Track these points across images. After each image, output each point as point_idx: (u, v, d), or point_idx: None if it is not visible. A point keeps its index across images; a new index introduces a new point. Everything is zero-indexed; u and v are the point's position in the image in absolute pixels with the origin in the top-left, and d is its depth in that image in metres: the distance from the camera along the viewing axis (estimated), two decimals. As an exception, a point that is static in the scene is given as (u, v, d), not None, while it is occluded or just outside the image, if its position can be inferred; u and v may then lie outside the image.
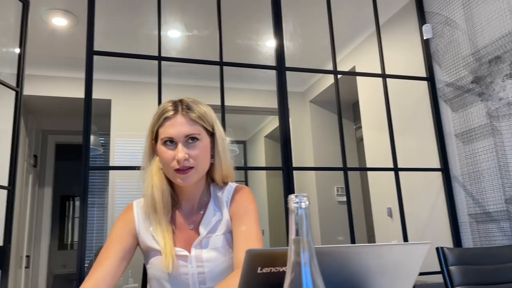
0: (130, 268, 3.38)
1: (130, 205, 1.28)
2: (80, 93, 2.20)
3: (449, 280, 1.49)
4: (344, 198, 4.32)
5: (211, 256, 1.18)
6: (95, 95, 2.22)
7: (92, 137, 2.98)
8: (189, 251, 1.18)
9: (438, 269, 1.58)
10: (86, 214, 2.05)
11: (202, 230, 1.20)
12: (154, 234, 1.19)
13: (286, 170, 2.42)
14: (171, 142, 1.17)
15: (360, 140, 4.26)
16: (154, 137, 1.22)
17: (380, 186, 3.33)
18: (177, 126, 1.17)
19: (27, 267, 4.23)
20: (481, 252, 1.65)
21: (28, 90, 3.81)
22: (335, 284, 0.80)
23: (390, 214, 3.19)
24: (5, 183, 2.27)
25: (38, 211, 4.65)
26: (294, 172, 2.45)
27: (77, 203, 6.10)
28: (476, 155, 2.48)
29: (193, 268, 1.17)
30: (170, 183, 1.23)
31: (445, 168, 2.65)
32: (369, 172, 3.56)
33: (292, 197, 0.53)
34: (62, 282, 5.44)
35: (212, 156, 1.24)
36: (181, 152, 1.14)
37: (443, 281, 1.66)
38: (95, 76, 2.20)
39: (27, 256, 4.24)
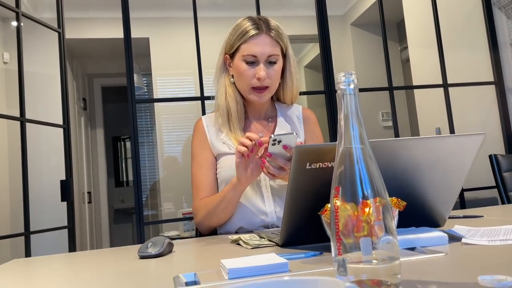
0: (184, 193, 3.56)
1: (199, 120, 1.39)
2: (119, 33, 2.22)
3: (502, 186, 1.46)
4: (390, 123, 4.23)
5: None
6: (133, 34, 2.24)
7: (135, 76, 3.04)
8: None
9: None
10: (137, 147, 2.15)
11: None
12: (226, 140, 1.30)
13: (329, 94, 2.38)
14: (252, 60, 1.24)
15: (406, 62, 4.07)
16: (233, 51, 1.28)
17: (428, 106, 3.21)
18: (262, 45, 1.24)
19: (89, 202, 4.56)
20: (537, 158, 1.59)
21: (69, 33, 3.88)
22: (386, 180, 0.81)
23: (439, 133, 3.10)
24: (60, 122, 2.39)
25: (93, 151, 4.93)
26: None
27: (128, 144, 6.37)
28: (534, 64, 2.31)
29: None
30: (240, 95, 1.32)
31: (498, 81, 2.50)
32: (416, 93, 3.42)
33: (340, 76, 0.52)
34: (122, 215, 5.86)
35: (282, 77, 1.32)
36: (263, 71, 1.23)
37: (497, 191, 1.63)
38: (132, 14, 2.20)
39: (89, 193, 4.57)
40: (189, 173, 1.35)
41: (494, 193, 2.33)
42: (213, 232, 1.32)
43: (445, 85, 2.49)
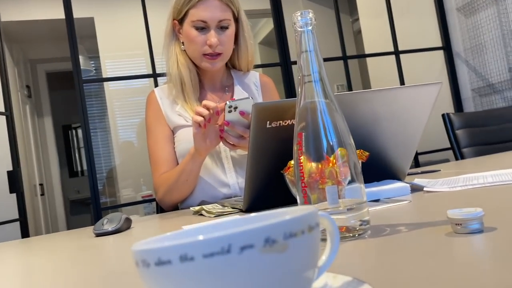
0: (142, 176, 3.46)
1: (151, 93, 1.32)
2: (60, 13, 2.07)
3: (455, 143, 1.50)
4: (345, 96, 4.28)
5: None
6: (76, 13, 2.11)
7: (81, 58, 2.88)
8: None
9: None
10: (89, 133, 2.05)
11: None
12: (181, 111, 1.24)
13: (284, 65, 2.36)
14: (202, 26, 1.18)
15: (358, 33, 4.12)
16: (181, 17, 1.22)
17: (381, 74, 3.27)
18: (211, 10, 1.17)
19: (42, 194, 4.36)
20: (485, 114, 1.65)
21: (5, 15, 3.61)
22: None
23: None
24: (2, 110, 2.23)
25: (42, 141, 4.69)
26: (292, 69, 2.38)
27: (80, 132, 6.12)
28: (478, 27, 2.38)
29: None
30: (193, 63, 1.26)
31: (447, 46, 2.57)
32: (369, 63, 3.47)
33: (296, 15, 0.49)
34: (79, 206, 5.66)
35: (235, 43, 1.26)
36: (214, 37, 1.18)
37: (448, 154, 1.68)
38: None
39: (41, 185, 4.35)
40: (147, 156, 1.29)
41: (446, 155, 2.43)
42: (175, 208, 1.27)
43: (397, 52, 2.53)
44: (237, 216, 0.70)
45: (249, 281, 0.19)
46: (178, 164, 1.26)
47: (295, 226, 0.20)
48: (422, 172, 1.11)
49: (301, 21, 0.48)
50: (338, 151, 0.49)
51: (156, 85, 2.17)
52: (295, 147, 0.49)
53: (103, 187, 4.31)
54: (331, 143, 0.47)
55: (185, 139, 1.22)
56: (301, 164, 0.48)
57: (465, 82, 2.53)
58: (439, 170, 1.11)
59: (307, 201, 0.48)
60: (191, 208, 1.03)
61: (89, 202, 4.90)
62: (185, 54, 1.24)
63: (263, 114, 0.72)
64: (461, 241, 0.38)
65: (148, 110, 1.30)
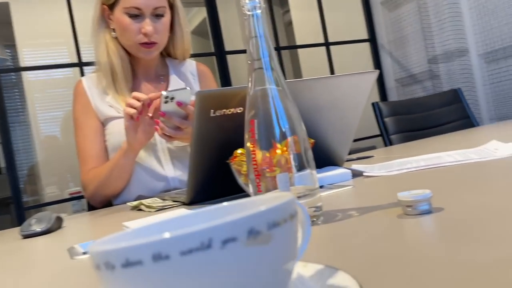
0: (68, 172, 3.26)
1: (78, 82, 1.24)
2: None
3: (384, 131, 1.58)
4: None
5: None
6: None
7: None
8: None
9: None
10: (7, 127, 1.88)
11: None
12: (112, 102, 1.18)
13: (219, 55, 2.33)
14: (136, 13, 1.12)
15: (288, 25, 4.18)
16: (111, 2, 1.14)
17: (312, 65, 3.36)
18: None
19: (-47, 196, 3.95)
20: (410, 103, 1.76)
21: None
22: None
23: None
24: None
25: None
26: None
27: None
28: (400, 21, 2.52)
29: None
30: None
31: (372, 38, 2.69)
32: (301, 54, 3.55)
33: (245, 0, 0.47)
34: (-2, 207, 5.21)
35: (171, 30, 1.22)
36: (149, 26, 1.12)
37: (375, 141, 1.77)
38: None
39: (-50, 186, 3.94)
40: (73, 151, 1.21)
41: (373, 142, 2.56)
42: (108, 205, 1.21)
43: (327, 44, 2.60)
44: (184, 210, 0.68)
45: (231, 278, 0.17)
46: (108, 157, 1.20)
47: (278, 215, 0.19)
48: (357, 158, 1.15)
49: (249, 4, 0.46)
50: (290, 139, 0.48)
51: (82, 75, 2.04)
52: (246, 135, 0.47)
53: (24, 185, 4.00)
54: (284, 130, 0.46)
55: (117, 131, 1.16)
56: (254, 152, 0.46)
57: (389, 72, 2.67)
58: (373, 156, 1.16)
59: (260, 190, 0.47)
60: (128, 203, 0.98)
61: (8, 202, 4.52)
62: (116, 42, 1.17)
63: (207, 102, 0.69)
64: (413, 222, 0.39)
65: (76, 102, 1.22)
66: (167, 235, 0.17)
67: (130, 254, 0.17)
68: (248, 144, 0.47)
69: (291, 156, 0.48)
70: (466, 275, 0.25)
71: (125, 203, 1.17)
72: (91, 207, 1.24)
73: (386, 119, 1.60)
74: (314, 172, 0.49)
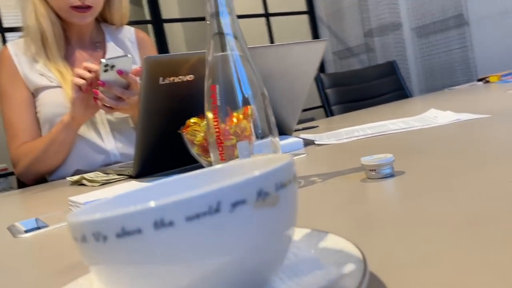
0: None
1: (3, 49, 1.13)
2: None
3: (326, 102, 1.62)
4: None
5: None
6: None
7: None
8: None
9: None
10: None
11: None
12: (43, 70, 1.09)
13: (156, 23, 2.22)
14: None
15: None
16: None
17: (252, 36, 3.33)
18: None
19: None
20: (350, 74, 1.81)
21: None
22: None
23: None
24: None
25: None
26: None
27: None
28: (338, -6, 2.56)
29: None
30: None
31: (310, 10, 2.72)
32: (241, 23, 3.49)
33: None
34: None
35: None
36: None
37: (314, 113, 1.81)
38: None
39: None
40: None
41: (312, 114, 2.62)
42: (42, 181, 1.13)
43: (267, 15, 2.59)
44: (134, 182, 0.64)
45: (237, 243, 0.16)
46: (40, 131, 1.11)
47: (284, 175, 0.17)
48: (303, 129, 1.17)
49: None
50: (251, 106, 0.47)
51: (4, 42, 1.85)
52: (207, 102, 0.45)
53: None
54: (246, 96, 0.45)
55: (51, 101, 1.08)
56: (216, 119, 0.44)
57: (327, 45, 2.72)
58: (318, 126, 1.18)
59: (223, 158, 0.46)
60: (68, 178, 0.92)
61: None
62: (46, 4, 1.07)
63: (156, 69, 0.66)
64: (377, 186, 0.40)
65: (1, 71, 1.11)
66: (171, 199, 0.15)
67: (127, 222, 0.15)
68: (210, 111, 0.45)
69: (251, 124, 0.47)
70: (437, 231, 0.26)
71: (61, 178, 1.10)
72: (22, 184, 1.16)
73: (328, 90, 1.63)
74: (277, 139, 0.48)
